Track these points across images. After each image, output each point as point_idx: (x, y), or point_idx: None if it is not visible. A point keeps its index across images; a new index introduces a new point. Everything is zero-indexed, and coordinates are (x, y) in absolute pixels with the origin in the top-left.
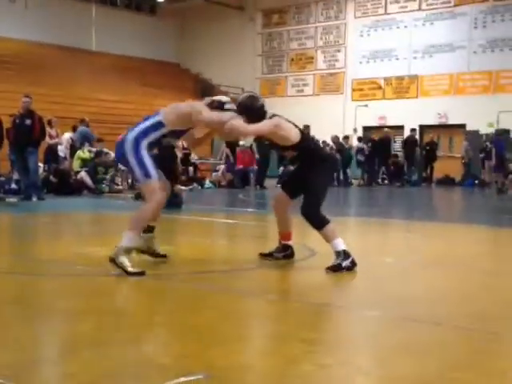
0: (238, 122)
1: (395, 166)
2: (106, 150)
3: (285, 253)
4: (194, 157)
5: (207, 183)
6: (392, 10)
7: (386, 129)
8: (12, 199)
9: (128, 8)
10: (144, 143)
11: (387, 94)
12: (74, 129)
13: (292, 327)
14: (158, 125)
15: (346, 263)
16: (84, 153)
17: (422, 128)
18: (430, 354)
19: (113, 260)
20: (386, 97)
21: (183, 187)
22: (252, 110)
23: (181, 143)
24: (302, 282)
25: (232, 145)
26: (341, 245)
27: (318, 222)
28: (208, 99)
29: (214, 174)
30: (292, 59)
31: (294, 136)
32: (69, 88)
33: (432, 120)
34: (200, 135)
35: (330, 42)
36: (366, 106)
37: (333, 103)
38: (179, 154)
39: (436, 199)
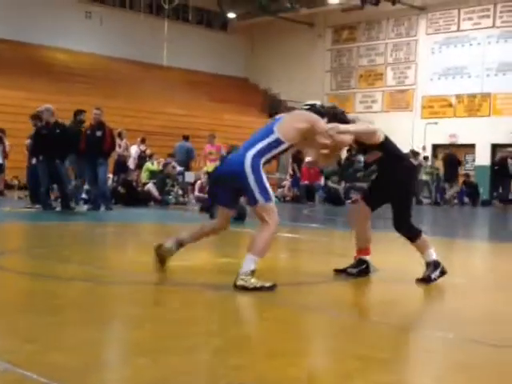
0: (346, 127)
1: (467, 185)
2: (173, 163)
3: (359, 268)
4: None
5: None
6: (465, 27)
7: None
8: (81, 209)
9: (199, 24)
10: (261, 162)
11: (458, 111)
12: (143, 141)
13: (349, 343)
14: (276, 143)
15: (435, 274)
16: (153, 165)
17: (494, 147)
18: (488, 376)
19: (242, 287)
20: (457, 115)
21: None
22: (337, 117)
23: None
24: (363, 298)
25: (298, 160)
26: (432, 255)
27: (412, 234)
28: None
29: (279, 189)
30: (361, 75)
31: (379, 135)
32: (140, 101)
33: (505, 139)
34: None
35: (400, 59)
36: (436, 123)
37: (402, 120)
38: None
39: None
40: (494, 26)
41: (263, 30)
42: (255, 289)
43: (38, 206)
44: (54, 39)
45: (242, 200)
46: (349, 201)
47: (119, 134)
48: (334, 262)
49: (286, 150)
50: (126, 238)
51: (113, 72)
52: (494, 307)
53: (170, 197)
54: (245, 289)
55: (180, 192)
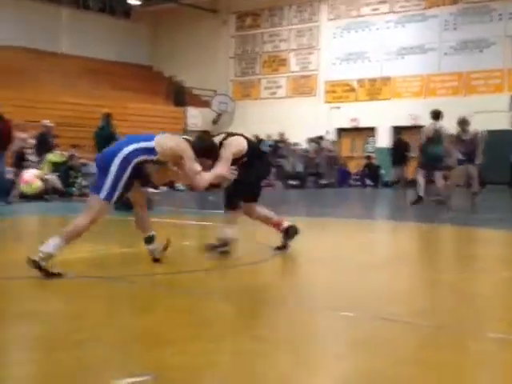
0: (204, 178)
1: (369, 167)
2: (76, 154)
3: (289, 235)
4: None
5: (178, 185)
6: (364, 13)
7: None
8: None
9: (101, 11)
10: (134, 162)
11: (360, 95)
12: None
13: (244, 326)
14: (152, 150)
15: (223, 249)
16: (55, 156)
17: (395, 129)
18: (378, 351)
19: (37, 265)
20: (359, 99)
21: (154, 190)
22: (207, 150)
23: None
24: (261, 281)
25: None
26: (228, 233)
27: (233, 204)
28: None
29: None
30: (265, 61)
31: (244, 146)
32: (38, 91)
33: (405, 121)
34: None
35: (303, 45)
36: (339, 108)
37: (306, 105)
38: None
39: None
40: (391, 11)
41: (167, 17)
42: (46, 272)
43: None
44: None
45: (149, 190)
46: None
47: (18, 126)
48: (237, 247)
49: (154, 162)
50: (24, 233)
51: (7, 61)
52: (380, 284)
53: (74, 188)
54: (36, 266)
55: (84, 183)
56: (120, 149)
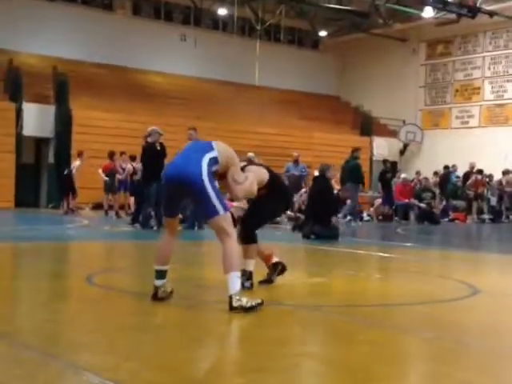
0: (243, 188)
1: None
2: None
3: (277, 271)
4: None
5: (365, 216)
6: None
7: None
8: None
9: (291, 43)
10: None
11: None
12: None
13: (449, 367)
14: (214, 160)
15: (246, 284)
16: None
17: None
18: None
19: (240, 307)
20: None
21: (341, 220)
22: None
23: (339, 175)
24: (460, 321)
25: (386, 177)
26: (251, 266)
27: (248, 237)
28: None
29: (371, 208)
30: (457, 90)
31: (265, 178)
32: (232, 121)
33: None
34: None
35: (498, 72)
36: None
37: (501, 135)
38: (336, 186)
39: None
40: None
41: (355, 47)
42: (251, 307)
43: (136, 224)
44: (150, 63)
45: (335, 220)
46: (446, 219)
47: None
48: (430, 283)
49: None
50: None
51: (206, 93)
52: None
53: None
54: (243, 309)
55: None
56: (199, 166)
